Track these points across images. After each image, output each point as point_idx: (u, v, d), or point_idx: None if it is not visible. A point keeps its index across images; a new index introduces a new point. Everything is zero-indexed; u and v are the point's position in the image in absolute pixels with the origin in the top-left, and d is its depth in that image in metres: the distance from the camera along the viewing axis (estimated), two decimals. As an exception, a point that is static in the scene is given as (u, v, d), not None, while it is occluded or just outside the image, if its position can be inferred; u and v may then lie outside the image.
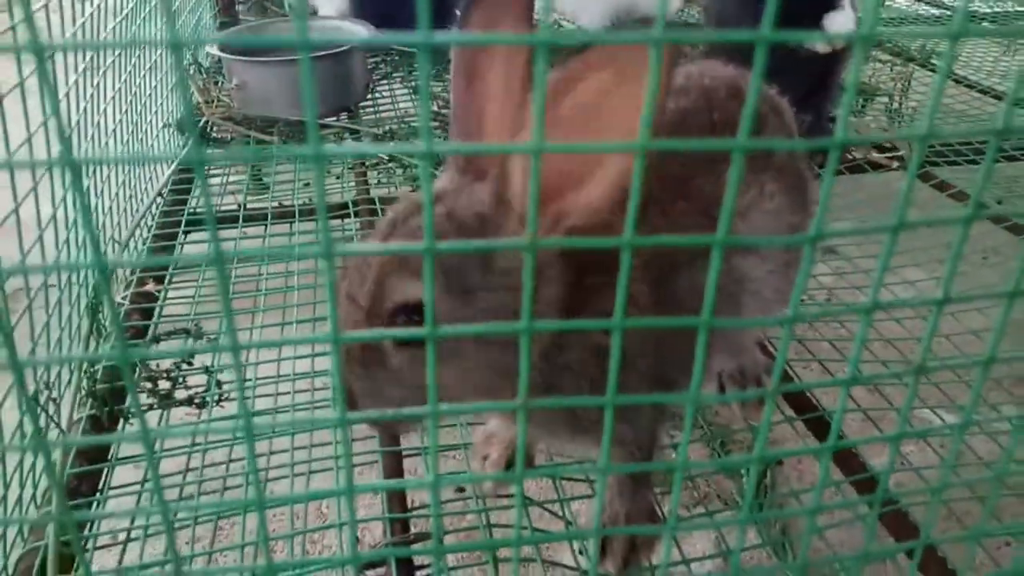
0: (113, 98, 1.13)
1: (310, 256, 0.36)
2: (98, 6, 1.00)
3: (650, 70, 0.31)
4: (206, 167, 0.35)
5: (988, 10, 2.84)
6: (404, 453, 0.95)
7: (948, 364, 0.45)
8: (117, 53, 1.13)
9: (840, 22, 1.52)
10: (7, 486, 0.75)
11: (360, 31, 1.86)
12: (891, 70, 2.20)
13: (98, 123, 1.06)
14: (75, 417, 0.91)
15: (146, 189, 1.38)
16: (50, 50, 0.30)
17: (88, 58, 0.99)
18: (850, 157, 1.69)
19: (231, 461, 0.93)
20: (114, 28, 1.11)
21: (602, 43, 0.33)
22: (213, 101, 1.72)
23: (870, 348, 1.14)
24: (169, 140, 1.56)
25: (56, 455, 0.80)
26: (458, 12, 1.79)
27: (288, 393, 1.01)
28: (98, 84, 1.09)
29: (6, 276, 0.69)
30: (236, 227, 1.37)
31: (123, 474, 0.93)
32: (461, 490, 1.13)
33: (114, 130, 1.14)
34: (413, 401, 0.60)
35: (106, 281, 0.32)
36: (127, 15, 1.23)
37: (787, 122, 0.91)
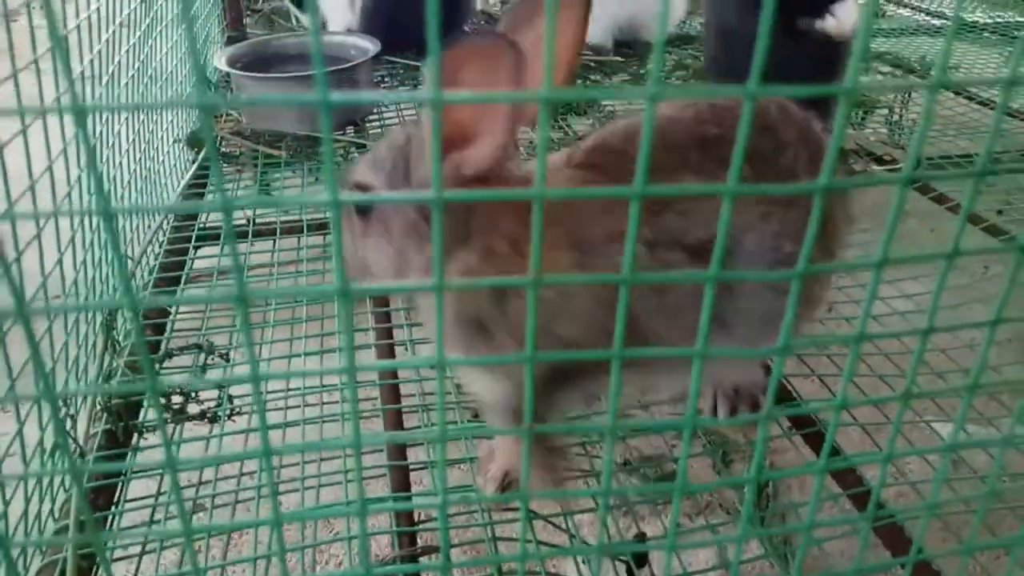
0: (127, 119, 1.16)
1: (327, 296, 0.38)
2: (113, 32, 1.03)
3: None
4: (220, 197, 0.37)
5: (989, 20, 2.86)
6: (411, 467, 0.97)
7: (934, 392, 0.48)
8: (131, 74, 1.16)
9: (845, 12, 1.54)
10: (28, 500, 0.77)
11: (367, 46, 1.89)
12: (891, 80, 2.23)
13: (113, 144, 1.09)
14: (91, 431, 0.94)
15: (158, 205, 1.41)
16: (91, 111, 0.32)
17: (104, 83, 1.02)
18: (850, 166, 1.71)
19: (242, 475, 0.95)
20: (127, 51, 1.14)
21: (601, 99, 0.35)
22: (222, 116, 1.75)
23: (867, 361, 1.16)
24: (179, 156, 1.59)
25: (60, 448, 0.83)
26: (467, 28, 1.81)
27: (298, 407, 1.03)
28: (116, 99, 1.12)
29: (15, 314, 0.71)
30: (246, 241, 1.39)
31: (136, 486, 0.95)
32: (467, 500, 1.15)
33: (127, 150, 1.17)
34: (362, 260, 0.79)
35: (138, 320, 0.35)
36: (141, 35, 1.26)
37: (818, 157, 0.87)
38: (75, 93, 0.32)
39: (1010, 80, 0.39)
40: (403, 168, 0.77)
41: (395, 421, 1.02)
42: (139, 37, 1.22)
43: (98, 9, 1.00)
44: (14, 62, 0.77)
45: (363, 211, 0.78)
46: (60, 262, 0.83)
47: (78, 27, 0.93)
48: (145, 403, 0.96)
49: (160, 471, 0.91)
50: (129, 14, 1.16)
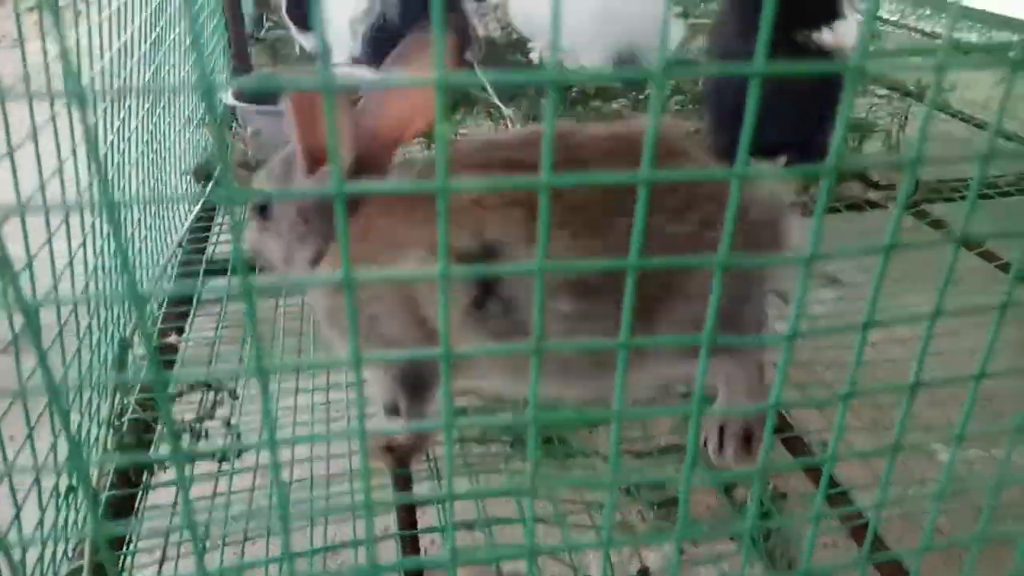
0: (138, 160, 1.18)
1: (343, 365, 0.40)
2: (118, 50, 1.05)
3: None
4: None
5: (984, 40, 2.89)
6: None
7: (925, 442, 0.49)
8: (142, 113, 1.19)
9: (843, 28, 1.57)
10: (43, 543, 0.79)
11: (370, 77, 1.92)
12: (889, 103, 2.25)
13: (123, 187, 1.11)
14: (103, 470, 0.96)
15: (166, 240, 1.43)
16: (121, 205, 0.34)
17: (116, 128, 1.05)
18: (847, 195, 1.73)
19: (255, 492, 0.97)
20: (137, 70, 1.15)
21: (602, 179, 0.37)
22: (228, 147, 1.77)
23: (873, 377, 1.18)
24: (187, 188, 1.62)
25: (88, 513, 0.84)
26: (469, 56, 1.84)
27: (306, 444, 1.05)
28: (128, 140, 1.15)
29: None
30: (252, 275, 1.41)
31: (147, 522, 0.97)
32: (470, 527, 1.16)
33: (138, 189, 1.19)
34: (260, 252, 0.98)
35: (166, 401, 0.37)
36: (154, 63, 1.29)
37: (781, 240, 0.85)
38: (106, 183, 0.34)
39: (986, 155, 0.41)
40: (289, 177, 0.92)
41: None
42: (147, 53, 1.24)
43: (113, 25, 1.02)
44: (30, 95, 0.79)
45: (262, 211, 0.94)
46: (74, 310, 0.85)
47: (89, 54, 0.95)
48: (154, 442, 0.98)
49: (175, 506, 0.94)
50: (142, 37, 1.17)
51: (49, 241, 0.70)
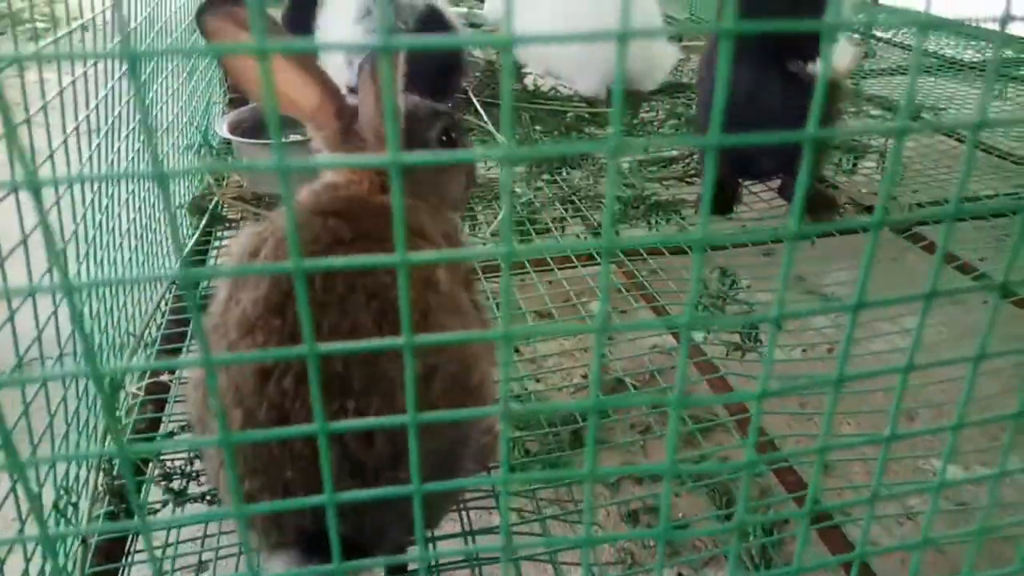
0: (128, 200, 1.19)
1: (311, 432, 0.40)
2: (109, 91, 1.06)
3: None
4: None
5: (979, 57, 2.90)
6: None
7: (907, 488, 0.49)
8: (132, 155, 1.20)
9: (834, 54, 1.58)
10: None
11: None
12: (883, 122, 2.26)
13: (113, 227, 1.12)
14: (93, 514, 0.95)
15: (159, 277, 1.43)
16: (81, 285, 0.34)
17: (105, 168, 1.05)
18: (841, 219, 1.74)
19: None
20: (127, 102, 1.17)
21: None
22: (224, 181, 1.78)
23: (871, 403, 1.17)
24: (181, 223, 1.63)
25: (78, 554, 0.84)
26: (464, 85, 1.85)
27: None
28: (118, 184, 1.15)
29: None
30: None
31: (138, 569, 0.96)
32: (460, 562, 1.15)
33: (129, 227, 1.20)
34: None
35: (130, 471, 0.36)
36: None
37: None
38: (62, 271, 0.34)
39: (953, 213, 0.41)
40: None
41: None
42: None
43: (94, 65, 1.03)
44: (27, 109, 0.80)
45: None
46: (59, 358, 0.85)
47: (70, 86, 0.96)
48: (146, 485, 0.98)
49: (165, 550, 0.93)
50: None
51: (32, 293, 0.71)
